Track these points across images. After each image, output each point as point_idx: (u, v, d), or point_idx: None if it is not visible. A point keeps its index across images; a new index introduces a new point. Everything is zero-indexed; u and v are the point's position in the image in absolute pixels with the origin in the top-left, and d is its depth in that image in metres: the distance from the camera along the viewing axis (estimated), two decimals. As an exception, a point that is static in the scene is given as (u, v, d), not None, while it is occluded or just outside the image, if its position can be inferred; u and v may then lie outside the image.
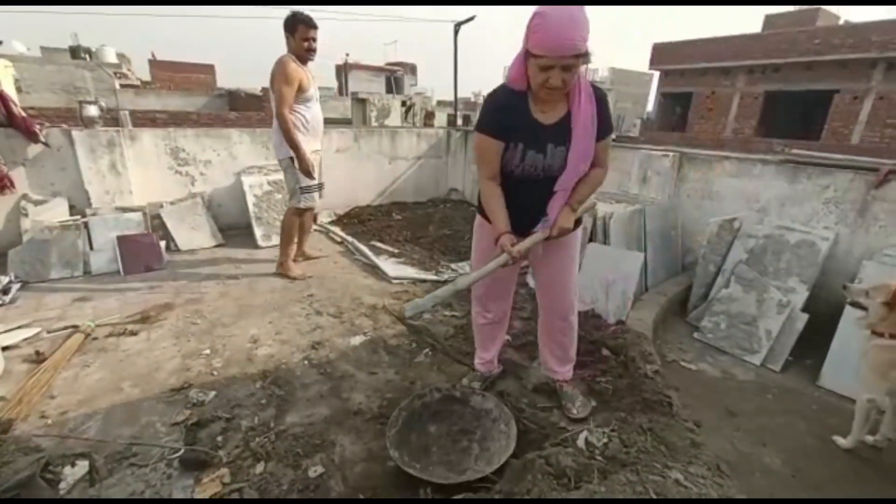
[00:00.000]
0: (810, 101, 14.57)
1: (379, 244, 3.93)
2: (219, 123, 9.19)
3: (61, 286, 2.92)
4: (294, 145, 2.79)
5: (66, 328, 2.34)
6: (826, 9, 15.97)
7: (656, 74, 18.95)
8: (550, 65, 1.26)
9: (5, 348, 2.08)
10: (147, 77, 19.06)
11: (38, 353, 2.08)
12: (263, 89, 12.31)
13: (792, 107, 15.33)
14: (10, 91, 3.68)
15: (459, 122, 7.43)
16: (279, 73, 2.69)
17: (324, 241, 4.11)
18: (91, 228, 3.27)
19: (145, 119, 7.92)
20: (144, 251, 3.26)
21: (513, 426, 1.61)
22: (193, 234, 3.74)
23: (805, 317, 2.42)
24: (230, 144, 4.04)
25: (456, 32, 5.90)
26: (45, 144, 3.31)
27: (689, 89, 17.13)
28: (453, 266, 3.48)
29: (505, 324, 1.98)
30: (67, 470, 1.42)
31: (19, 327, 2.32)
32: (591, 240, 2.91)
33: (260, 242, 3.79)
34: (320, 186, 3.12)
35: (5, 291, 2.69)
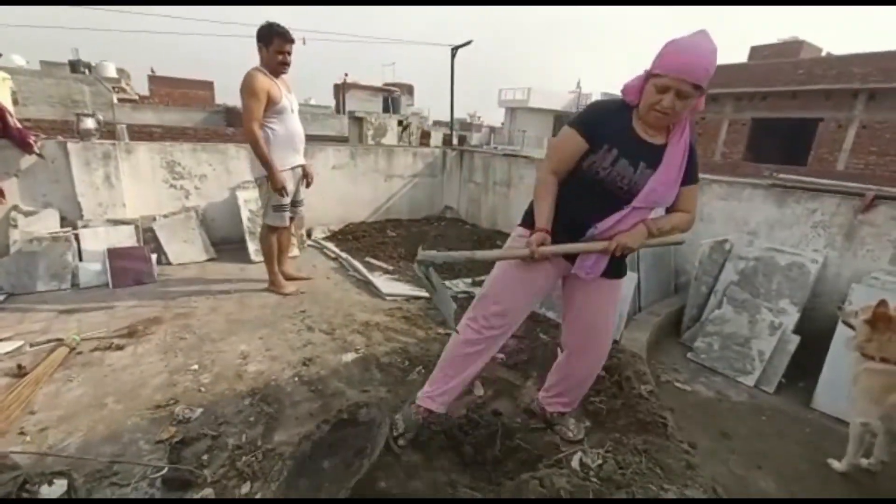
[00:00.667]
0: (796, 129, 15.01)
1: (373, 261, 3.92)
2: (215, 138, 9.24)
3: (48, 299, 2.87)
4: (263, 161, 2.70)
5: (49, 342, 2.28)
6: (808, 42, 16.61)
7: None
8: (668, 86, 1.24)
9: (-14, 361, 2.02)
10: (146, 92, 19.21)
11: (19, 366, 2.03)
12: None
13: (778, 134, 15.78)
14: (7, 102, 3.69)
15: (455, 141, 7.54)
16: (246, 86, 2.60)
17: (318, 256, 4.09)
18: (81, 240, 3.23)
19: (142, 133, 7.95)
20: (135, 264, 3.22)
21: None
22: (185, 248, 3.71)
23: (797, 339, 2.43)
24: (226, 159, 4.06)
25: (453, 56, 6.05)
26: (40, 156, 3.29)
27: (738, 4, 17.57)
28: (447, 283, 3.47)
29: (495, 347, 1.65)
30: (45, 489, 1.36)
31: (1, 340, 2.26)
32: (584, 259, 2.93)
33: (253, 257, 3.77)
34: (295, 204, 3.06)
35: (-11, 303, 2.62)
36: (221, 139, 9.29)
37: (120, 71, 18.17)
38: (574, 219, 1.44)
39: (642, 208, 1.41)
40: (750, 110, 15.54)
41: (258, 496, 1.43)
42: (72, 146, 3.36)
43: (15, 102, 3.87)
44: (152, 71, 20.54)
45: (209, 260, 3.73)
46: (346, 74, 20.69)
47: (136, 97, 16.94)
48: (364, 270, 3.60)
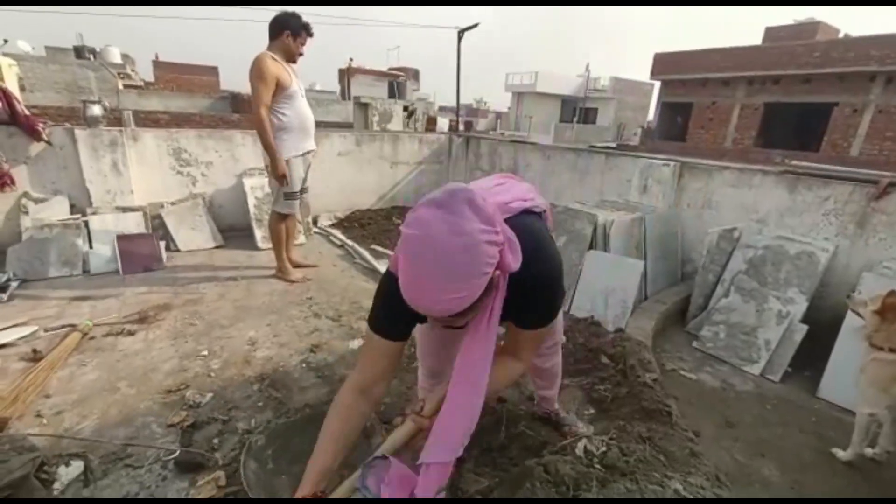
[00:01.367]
0: (809, 114, 14.67)
1: (379, 248, 3.93)
2: (221, 125, 9.21)
3: (60, 285, 2.92)
4: (266, 147, 2.70)
5: (63, 327, 2.33)
6: (826, 22, 16.12)
7: (657, 84, 19.08)
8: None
9: (2, 346, 2.07)
10: (151, 78, 19.13)
11: (34, 351, 2.07)
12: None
13: (791, 119, 15.44)
14: (14, 89, 3.69)
15: (461, 127, 7.47)
16: (255, 70, 2.58)
17: (324, 244, 4.11)
18: (91, 227, 3.26)
19: (148, 120, 7.94)
20: (144, 251, 3.25)
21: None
22: (193, 235, 3.74)
23: (804, 328, 2.42)
24: (232, 146, 4.05)
25: (459, 38, 5.95)
26: (48, 143, 3.31)
27: (690, 99, 17.25)
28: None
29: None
30: (62, 470, 1.41)
31: (16, 325, 2.31)
32: (591, 247, 2.91)
33: (260, 244, 3.79)
34: (303, 190, 3.05)
35: (3, 289, 2.68)
36: (227, 126, 9.27)
37: (124, 56, 18.09)
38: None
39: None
40: (762, 94, 15.19)
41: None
42: (79, 133, 3.37)
43: (22, 89, 3.88)
44: (156, 57, 20.43)
45: (217, 247, 3.76)
46: (351, 59, 20.45)
47: (142, 83, 16.89)
48: (370, 258, 3.61)
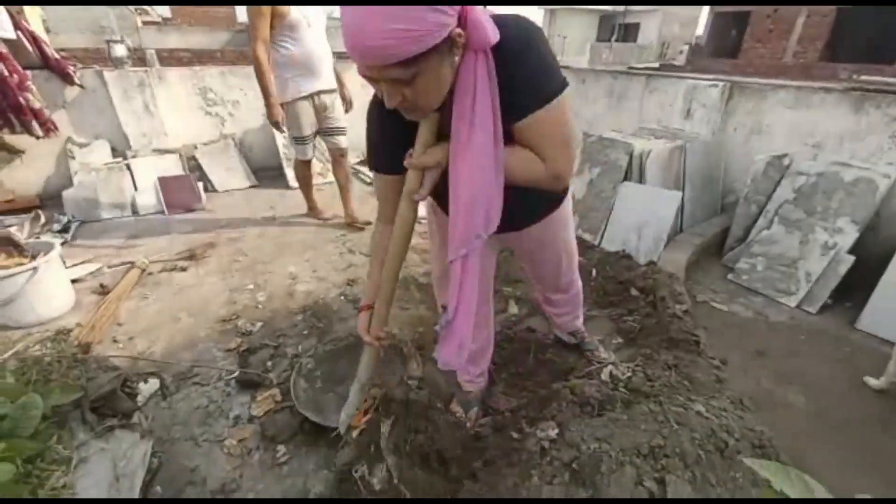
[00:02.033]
0: (887, 20, 12.74)
1: (407, 185, 3.92)
2: (242, 62, 8.99)
3: (113, 226, 3.12)
4: (262, 88, 2.44)
5: (123, 264, 2.53)
6: None
7: (711, -9, 16.86)
8: (368, 77, 0.77)
9: (74, 281, 2.28)
10: (167, 13, 18.56)
11: (102, 286, 2.29)
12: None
13: (865, 28, 13.48)
14: (40, 32, 3.70)
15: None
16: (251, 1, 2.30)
17: (354, 182, 4.13)
18: (133, 170, 3.40)
19: (171, 58, 7.83)
20: (184, 192, 3.39)
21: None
22: (228, 176, 3.84)
23: (851, 259, 2.31)
24: (255, 83, 3.98)
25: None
26: (81, 86, 3.37)
27: (748, 7, 15.25)
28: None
29: (491, 316, 1.52)
30: (142, 385, 1.62)
31: (83, 262, 2.53)
32: (625, 178, 2.81)
33: (291, 184, 3.86)
34: (328, 132, 2.80)
35: (66, 230, 2.90)
36: (248, 62, 9.04)
37: (139, -10, 17.47)
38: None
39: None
40: (836, -2, 13.20)
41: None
42: (108, 75, 3.40)
43: (46, 31, 3.88)
44: (170, -12, 19.61)
45: (251, 187, 3.87)
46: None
47: (160, 19, 16.45)
48: (399, 195, 3.63)
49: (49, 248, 2.06)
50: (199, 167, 3.75)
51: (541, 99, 0.85)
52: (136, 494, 1.22)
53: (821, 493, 0.79)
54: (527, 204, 1.12)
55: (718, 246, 2.90)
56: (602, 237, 2.85)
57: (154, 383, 1.65)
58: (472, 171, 0.88)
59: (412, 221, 1.03)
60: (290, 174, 3.90)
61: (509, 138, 0.90)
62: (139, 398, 1.57)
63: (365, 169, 4.35)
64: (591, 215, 2.92)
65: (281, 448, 1.44)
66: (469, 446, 1.36)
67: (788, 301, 2.39)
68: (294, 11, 2.33)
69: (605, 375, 1.60)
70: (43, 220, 2.92)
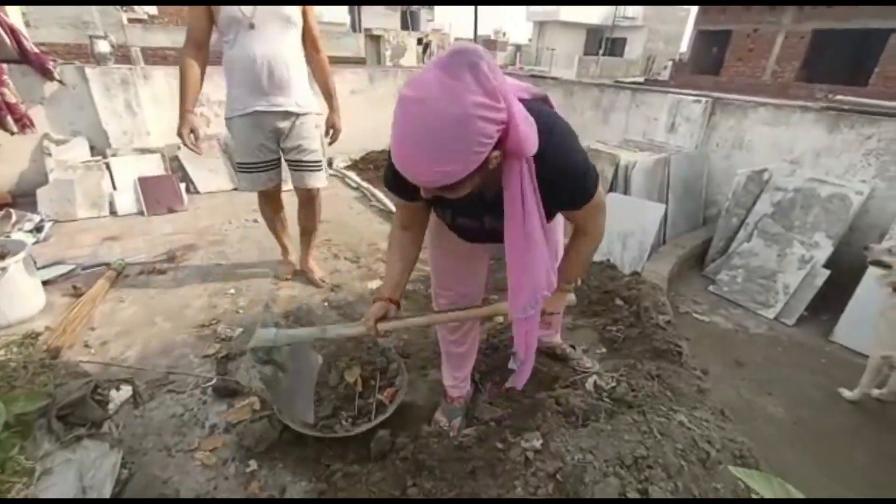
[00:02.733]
0: (861, 43, 13.31)
1: (395, 190, 3.91)
2: (230, 62, 8.89)
3: (90, 226, 3.02)
4: (180, 95, 1.90)
5: (98, 265, 2.45)
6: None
7: (694, 10, 17.39)
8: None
9: (45, 283, 2.20)
10: (154, 11, 18.29)
11: (75, 287, 2.20)
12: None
13: (841, 49, 14.05)
14: (20, 25, 3.60)
15: (479, 62, 7.06)
16: None
17: (340, 186, 4.10)
18: (112, 169, 3.31)
19: (156, 56, 7.71)
20: (166, 192, 3.31)
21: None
22: (212, 177, 3.77)
23: (826, 273, 2.38)
24: (243, 84, 3.94)
25: (478, -40, 5.44)
26: (60, 82, 3.28)
27: (729, 26, 15.75)
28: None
29: (477, 329, 1.56)
30: (113, 393, 1.55)
31: (56, 263, 2.44)
32: (611, 189, 2.85)
33: (277, 186, 3.80)
34: (302, 165, 2.10)
35: (39, 229, 2.79)
36: (235, 62, 8.93)
37: (125, -13, 17.19)
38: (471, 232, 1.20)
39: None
40: (813, 20, 13.75)
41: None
42: (90, 72, 3.31)
43: (26, 25, 3.77)
44: (158, -14, 19.35)
45: (235, 188, 3.80)
46: (361, -14, 19.05)
47: (146, 16, 16.19)
48: (386, 200, 3.61)
49: (20, 247, 1.98)
50: (182, 167, 3.68)
51: (586, 197, 1.01)
52: (103, 507, 1.17)
53: (801, 500, 0.79)
54: None
55: (700, 257, 2.95)
56: (587, 247, 2.88)
57: (126, 391, 1.58)
58: (533, 263, 1.00)
59: None
60: (275, 177, 3.83)
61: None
62: (110, 406, 1.50)
63: (351, 173, 4.32)
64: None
65: (257, 460, 1.39)
66: (452, 456, 1.34)
67: (767, 313, 2.45)
68: (229, 9, 1.81)
69: (589, 385, 1.60)
70: (14, 218, 2.81)
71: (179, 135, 1.93)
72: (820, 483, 1.50)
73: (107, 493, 1.19)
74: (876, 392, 1.85)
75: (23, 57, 3.14)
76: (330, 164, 4.51)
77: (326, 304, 2.24)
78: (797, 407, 1.83)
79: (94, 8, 11.99)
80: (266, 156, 2.07)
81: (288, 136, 2.05)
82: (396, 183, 0.99)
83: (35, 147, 3.29)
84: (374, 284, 2.44)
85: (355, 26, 18.60)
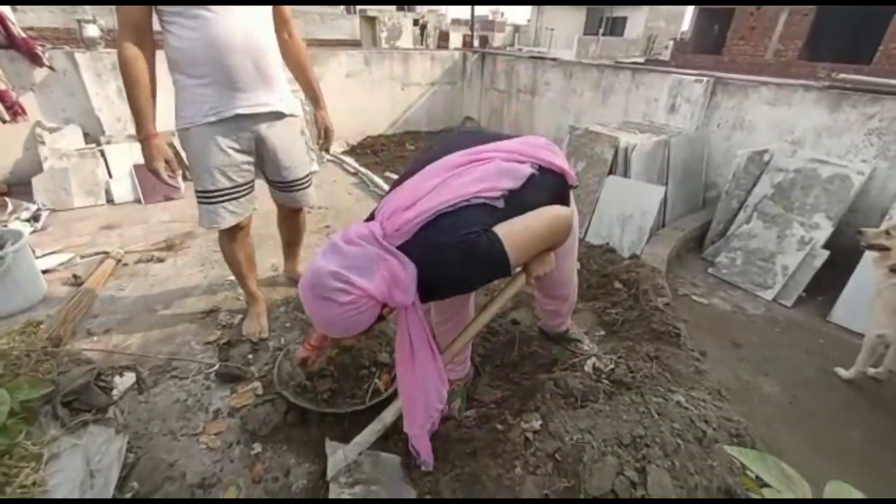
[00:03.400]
0: (865, 21, 13.06)
1: (393, 175, 3.88)
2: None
3: (87, 214, 3.01)
4: (132, 107, 1.42)
5: (97, 254, 2.44)
6: None
7: (696, -13, 16.99)
8: None
9: (44, 272, 2.20)
10: (143, -7, 17.83)
11: (75, 276, 2.21)
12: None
13: (844, 27, 13.81)
14: (6, 10, 3.51)
15: (476, 43, 6.95)
16: None
17: (337, 172, 4.07)
18: (107, 156, 3.28)
19: (147, 41, 7.54)
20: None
21: None
22: (208, 164, 3.73)
23: (826, 254, 2.39)
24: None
25: (475, -64, 5.31)
26: (50, 68, 3.22)
27: (732, 4, 15.43)
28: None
29: (469, 311, 1.48)
30: (117, 379, 1.57)
31: (54, 252, 2.44)
32: (610, 172, 2.83)
33: (274, 173, 3.77)
34: (289, 186, 1.77)
35: (36, 218, 2.78)
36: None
37: (113, -32, 16.74)
38: None
39: None
40: (817, -4, 13.44)
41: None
42: (80, 57, 3.26)
43: (13, 9, 3.68)
44: (146, -33, 18.83)
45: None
46: (355, -35, 18.54)
47: (135, -1, 15.78)
48: (385, 185, 3.59)
49: (18, 236, 1.97)
50: (178, 155, 3.64)
51: (506, 268, 1.02)
52: (110, 490, 1.19)
53: (796, 478, 0.81)
54: None
55: (699, 240, 2.95)
56: (587, 231, 2.87)
57: (130, 377, 1.60)
58: (426, 390, 1.17)
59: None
60: (272, 163, 3.80)
61: None
62: (114, 392, 1.52)
63: (349, 159, 4.28)
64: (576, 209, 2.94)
65: (261, 443, 1.41)
66: (453, 437, 1.36)
67: (765, 294, 2.46)
68: None
69: (588, 367, 1.62)
70: (11, 207, 2.80)
71: (152, 170, 1.49)
72: (814, 460, 1.53)
73: (114, 477, 1.22)
74: (872, 371, 1.87)
75: (10, 42, 3.08)
76: (327, 149, 4.46)
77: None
78: (793, 387, 1.86)
79: (82, -9, 11.69)
80: (242, 176, 1.61)
81: (274, 149, 1.63)
82: None
83: (28, 135, 3.25)
84: (374, 270, 2.44)
85: (350, 8, 18.19)
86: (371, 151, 4.53)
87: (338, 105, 4.50)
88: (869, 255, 2.15)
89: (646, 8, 22.32)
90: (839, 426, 1.69)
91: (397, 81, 4.89)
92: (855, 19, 13.49)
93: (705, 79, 3.16)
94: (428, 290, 1.04)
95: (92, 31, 3.36)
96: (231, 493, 1.26)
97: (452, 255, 0.97)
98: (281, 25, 1.61)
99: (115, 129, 3.46)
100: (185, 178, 3.52)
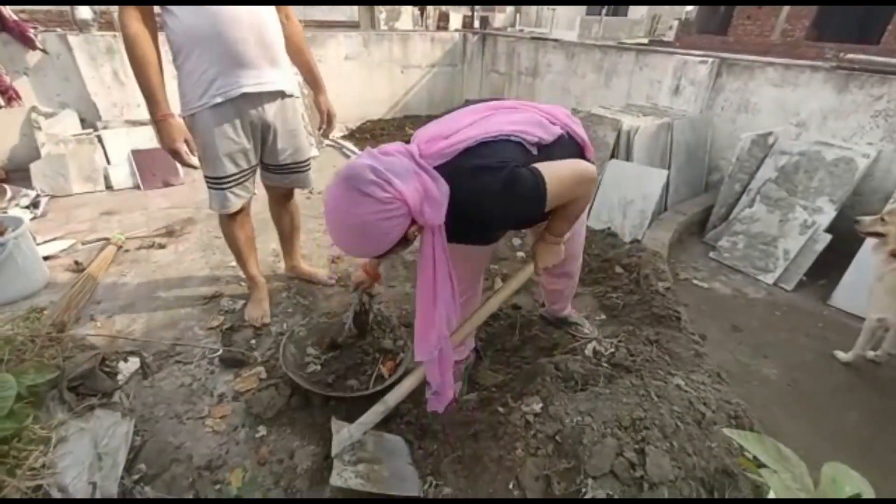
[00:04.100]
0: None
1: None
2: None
3: (86, 200, 3.00)
4: (144, 89, 1.39)
5: (98, 240, 2.44)
6: None
7: (702, -36, 16.53)
8: None
9: (46, 258, 2.20)
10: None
11: (76, 262, 2.21)
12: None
13: (852, 6, 13.48)
14: (-4, -10, 3.44)
15: (476, 24, 6.81)
16: None
17: (337, 157, 4.04)
18: (105, 142, 3.25)
19: (141, 23, 7.39)
20: (161, 166, 3.26)
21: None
22: (206, 149, 3.70)
23: (828, 237, 2.37)
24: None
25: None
26: (43, 51, 3.17)
27: (732, 4, 15.04)
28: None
29: (478, 294, 1.54)
30: (122, 365, 1.58)
31: (56, 239, 2.44)
32: (612, 156, 2.80)
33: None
34: (276, 168, 1.72)
35: (35, 205, 2.77)
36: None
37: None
38: None
39: None
40: (826, -26, 13.10)
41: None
42: (73, 40, 3.20)
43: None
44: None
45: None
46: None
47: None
48: (384, 170, 3.56)
49: (18, 223, 1.97)
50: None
51: (541, 207, 1.02)
52: (118, 471, 1.21)
53: (793, 459, 0.82)
54: None
55: (701, 224, 2.94)
56: (588, 215, 2.86)
57: (134, 362, 1.61)
58: (440, 317, 1.11)
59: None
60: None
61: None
62: (119, 377, 1.54)
63: (348, 143, 4.25)
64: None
65: (266, 426, 1.43)
66: (455, 420, 1.38)
67: (766, 278, 2.46)
68: None
69: (588, 351, 1.63)
70: (10, 194, 2.79)
71: (172, 151, 1.44)
72: (812, 442, 1.55)
73: (121, 460, 1.24)
74: (871, 353, 1.89)
75: (2, 25, 3.02)
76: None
77: (327, 276, 2.25)
78: (792, 370, 1.87)
79: (73, -29, 11.42)
80: (248, 161, 1.60)
81: (276, 133, 1.61)
82: None
83: (24, 120, 3.22)
84: (375, 255, 2.44)
85: (348, -13, 17.76)
86: (371, 136, 4.49)
87: (337, 88, 4.44)
88: (869, 241, 2.14)
89: (650, -14, 21.75)
90: (837, 409, 1.71)
91: (397, 64, 4.81)
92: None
93: (710, 60, 3.10)
94: (454, 223, 1.00)
95: (84, 12, 3.29)
96: (237, 475, 1.28)
97: (491, 182, 0.95)
98: (278, 7, 1.59)
99: (112, 114, 3.43)
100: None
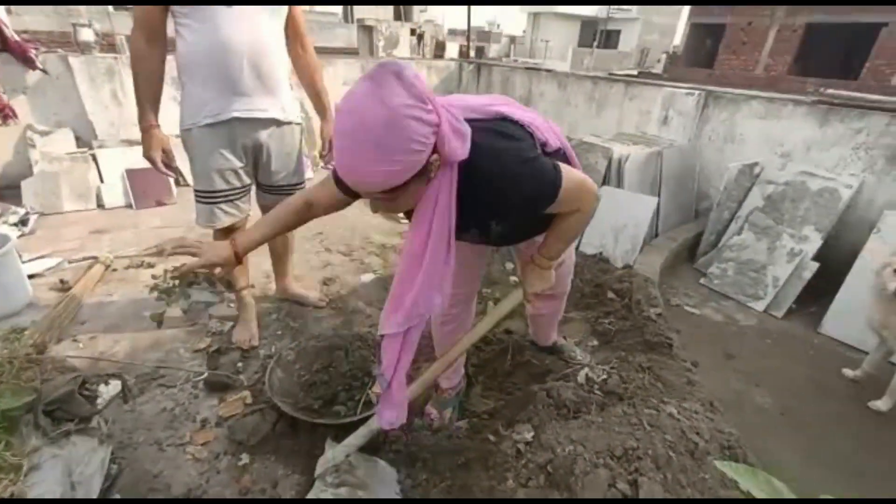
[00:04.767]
0: (853, 37, 13.39)
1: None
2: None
3: (77, 219, 2.97)
4: (137, 97, 1.48)
5: (86, 259, 2.41)
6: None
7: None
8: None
9: (31, 276, 2.16)
10: (141, -2, 17.87)
11: (62, 281, 2.17)
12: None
13: (832, 43, 14.13)
14: (0, 13, 3.50)
15: (472, 53, 7.03)
16: None
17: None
18: (99, 161, 3.25)
19: (143, 46, 7.53)
20: (154, 185, 3.26)
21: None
22: (201, 169, 3.72)
23: (815, 265, 2.41)
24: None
25: (471, -51, 5.40)
26: (44, 71, 3.20)
27: (724, 19, 15.75)
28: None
29: (471, 316, 1.52)
30: (102, 388, 1.53)
31: (42, 257, 2.40)
32: (604, 182, 2.85)
33: (268, 179, 3.76)
34: (280, 190, 1.73)
35: (24, 222, 2.74)
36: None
37: (111, -27, 16.78)
38: None
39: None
40: (805, 14, 13.78)
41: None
42: (74, 61, 3.24)
43: (8, 12, 3.67)
44: (145, -27, 18.88)
45: (225, 181, 3.75)
46: (353, -26, 18.72)
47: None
48: (379, 193, 3.59)
49: (4, 240, 1.94)
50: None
51: (547, 197, 0.96)
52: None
53: (786, 494, 0.80)
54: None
55: (692, 250, 2.98)
56: (580, 241, 2.88)
57: (116, 385, 1.57)
58: (423, 282, 0.97)
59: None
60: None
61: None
62: (99, 401, 1.49)
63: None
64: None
65: (249, 453, 1.39)
66: (445, 448, 1.35)
67: (756, 305, 2.47)
68: None
69: (581, 378, 1.61)
70: (-1, 211, 2.76)
71: (149, 158, 1.54)
72: (806, 472, 1.52)
73: (96, 489, 1.18)
74: (850, 374, 1.90)
75: (3, 45, 3.06)
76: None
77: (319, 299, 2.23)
78: (785, 397, 1.86)
79: (79, -5, 11.68)
80: (239, 180, 1.63)
81: (269, 155, 1.63)
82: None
83: (19, 138, 3.22)
84: (367, 278, 2.43)
85: (347, 17, 18.33)
86: (366, 159, 4.54)
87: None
88: (860, 267, 2.18)
89: (640, 21, 22.71)
90: (831, 437, 1.69)
91: (393, 90, 4.92)
92: (843, 36, 13.82)
93: (697, 92, 3.21)
94: (463, 200, 0.91)
95: (87, 35, 3.35)
96: (216, 506, 1.23)
97: (515, 150, 0.92)
98: (294, 38, 1.65)
99: (109, 134, 3.44)
100: (177, 183, 3.50)
